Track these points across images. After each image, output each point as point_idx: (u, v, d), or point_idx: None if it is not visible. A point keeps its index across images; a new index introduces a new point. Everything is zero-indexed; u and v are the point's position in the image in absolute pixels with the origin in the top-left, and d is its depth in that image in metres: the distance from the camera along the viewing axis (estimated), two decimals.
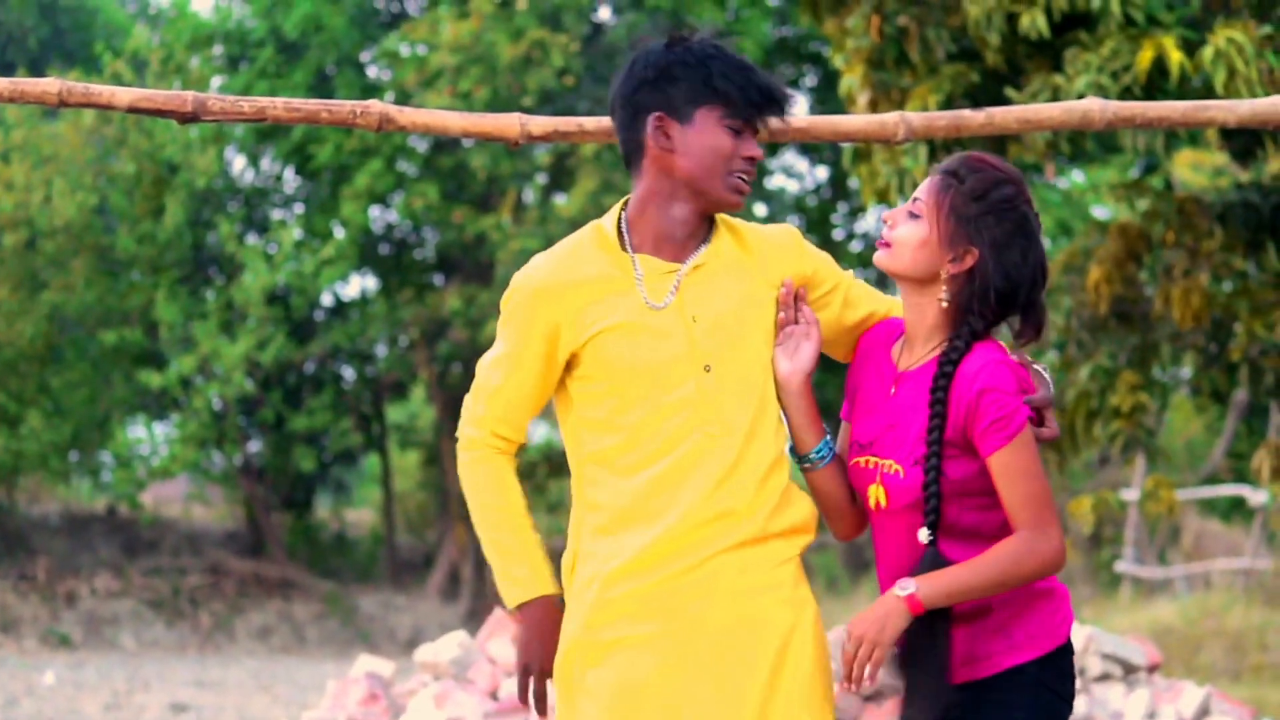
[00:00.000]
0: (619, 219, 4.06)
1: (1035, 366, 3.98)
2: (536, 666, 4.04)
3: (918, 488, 3.87)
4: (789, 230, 4.16)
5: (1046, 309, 3.97)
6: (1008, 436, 3.80)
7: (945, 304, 3.92)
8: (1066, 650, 3.91)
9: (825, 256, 4.14)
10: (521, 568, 4.10)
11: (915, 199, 3.96)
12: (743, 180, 3.97)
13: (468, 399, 4.10)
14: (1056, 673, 3.90)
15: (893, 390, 3.99)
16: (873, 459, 3.96)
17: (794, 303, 4.04)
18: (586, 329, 3.95)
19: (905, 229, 3.94)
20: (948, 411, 3.84)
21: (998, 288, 3.88)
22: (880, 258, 3.98)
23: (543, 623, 4.04)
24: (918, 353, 3.97)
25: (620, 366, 3.93)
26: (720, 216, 4.07)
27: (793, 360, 4.01)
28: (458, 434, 4.12)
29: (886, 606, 3.79)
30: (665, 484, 3.91)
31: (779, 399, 4.03)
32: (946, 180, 3.93)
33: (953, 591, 3.80)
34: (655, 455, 3.92)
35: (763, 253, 4.06)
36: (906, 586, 3.79)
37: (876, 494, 3.95)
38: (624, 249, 4.01)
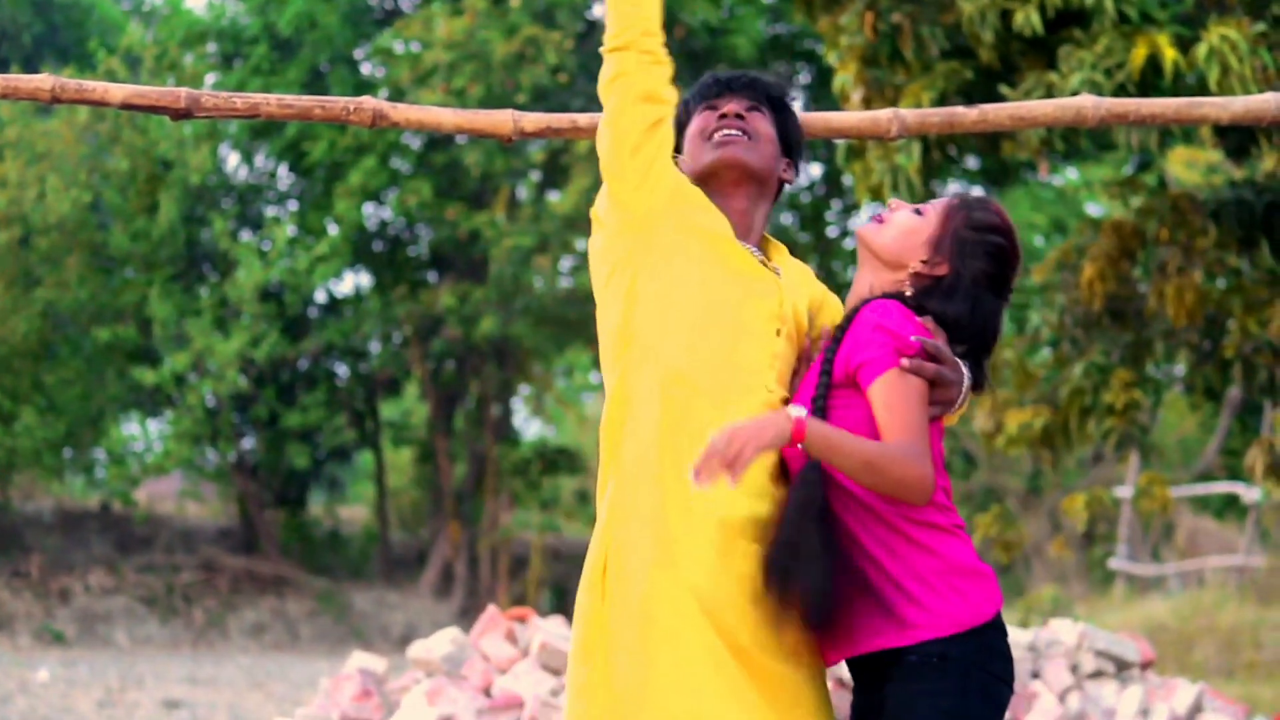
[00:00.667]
0: None
1: (944, 341, 4.01)
2: None
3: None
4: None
5: (987, 373, 4.04)
6: (889, 362, 3.84)
7: (900, 289, 4.01)
8: (996, 628, 3.90)
9: (832, 296, 4.34)
10: None
11: (927, 203, 4.12)
12: (723, 135, 4.19)
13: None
14: (986, 652, 3.88)
15: (814, 355, 4.11)
16: None
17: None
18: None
19: (904, 215, 4.08)
20: (841, 344, 3.92)
21: (952, 310, 3.94)
22: (865, 229, 4.12)
23: None
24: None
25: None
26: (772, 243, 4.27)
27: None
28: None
29: (773, 419, 3.79)
30: None
31: None
32: (961, 201, 4.07)
33: (831, 444, 3.80)
34: None
35: (794, 276, 4.24)
36: (795, 411, 3.80)
37: (793, 456, 3.98)
38: None
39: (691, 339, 4.00)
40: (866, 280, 4.07)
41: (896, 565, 3.86)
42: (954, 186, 31.67)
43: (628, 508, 4.01)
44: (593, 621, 4.00)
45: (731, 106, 4.18)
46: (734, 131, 4.16)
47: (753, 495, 3.96)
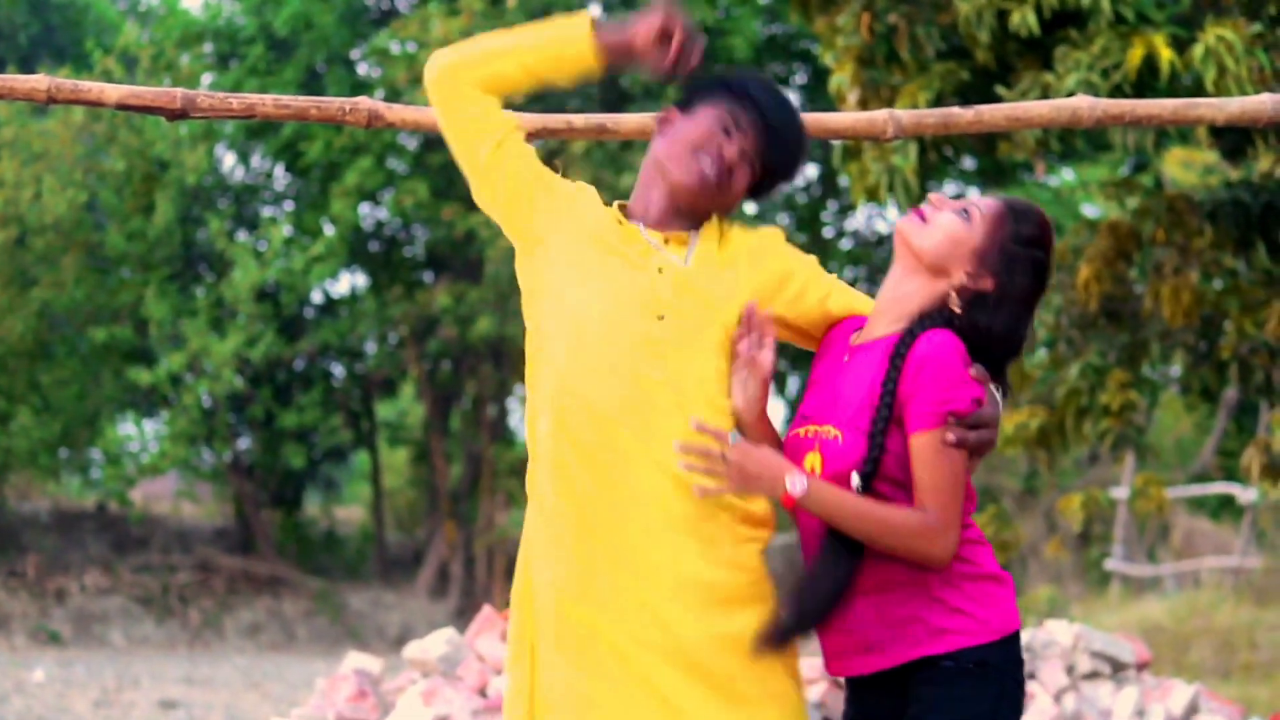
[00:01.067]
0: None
1: (989, 385, 3.95)
2: None
3: (854, 452, 3.84)
4: (772, 230, 4.18)
5: (1009, 381, 3.98)
6: (938, 420, 3.79)
7: (938, 299, 3.92)
8: (1018, 635, 3.90)
9: (807, 257, 4.16)
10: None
11: (973, 202, 3.97)
12: (707, 167, 4.01)
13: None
14: (1015, 659, 3.89)
15: (845, 359, 3.99)
16: (813, 428, 3.94)
17: (750, 326, 4.05)
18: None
19: (949, 218, 3.94)
20: (902, 376, 3.83)
21: (990, 324, 3.90)
22: (908, 226, 3.96)
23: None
24: (879, 329, 3.97)
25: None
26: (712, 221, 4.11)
27: (742, 393, 4.03)
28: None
29: (773, 474, 3.78)
30: None
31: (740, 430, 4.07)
32: (1009, 209, 3.95)
33: (831, 511, 3.79)
34: None
35: (737, 258, 4.09)
36: (798, 485, 3.77)
37: (812, 461, 3.91)
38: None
39: (570, 345, 3.93)
40: (906, 283, 3.96)
41: (933, 574, 3.85)
42: (950, 187, 31.71)
43: (530, 514, 4.03)
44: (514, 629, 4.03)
45: (733, 153, 4.00)
46: (716, 172, 4.01)
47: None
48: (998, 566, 3.91)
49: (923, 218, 3.96)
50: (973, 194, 34.16)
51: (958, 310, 3.90)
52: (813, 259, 4.17)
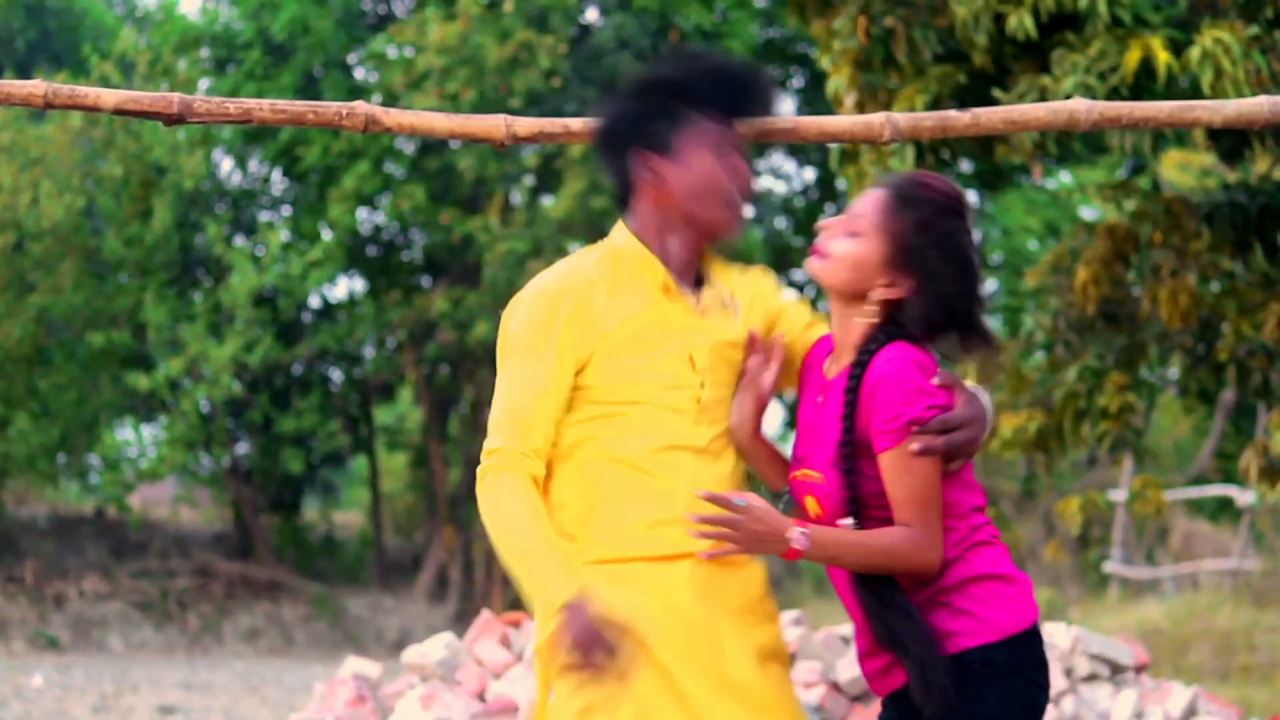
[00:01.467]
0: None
1: (968, 385, 3.93)
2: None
3: (837, 491, 3.87)
4: (764, 271, 4.21)
5: (988, 328, 3.93)
6: (899, 435, 3.79)
7: (874, 320, 3.91)
8: (1035, 635, 3.89)
9: (797, 301, 4.20)
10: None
11: (857, 216, 3.92)
12: (738, 203, 3.97)
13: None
14: (1026, 658, 3.87)
15: (820, 399, 4.00)
16: (804, 471, 3.97)
17: (757, 347, 4.08)
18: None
19: (843, 245, 3.91)
20: (858, 409, 3.84)
21: (929, 316, 3.87)
22: (813, 266, 3.96)
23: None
24: (843, 361, 3.97)
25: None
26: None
27: (738, 413, 4.06)
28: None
29: (776, 532, 3.78)
30: None
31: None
32: (893, 203, 3.90)
33: (831, 554, 3.81)
34: None
35: (744, 296, 4.12)
36: (799, 539, 3.78)
37: (811, 505, 3.97)
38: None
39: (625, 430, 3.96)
40: (842, 317, 3.95)
41: (939, 581, 3.86)
42: None
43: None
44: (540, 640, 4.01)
45: (749, 172, 3.97)
46: (745, 205, 3.99)
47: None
48: (1010, 566, 3.90)
49: (821, 255, 3.95)
50: (970, 197, 34.13)
51: (895, 321, 3.89)
52: (803, 303, 4.20)
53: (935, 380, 3.84)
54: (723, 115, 3.96)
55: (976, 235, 3.97)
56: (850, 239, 3.91)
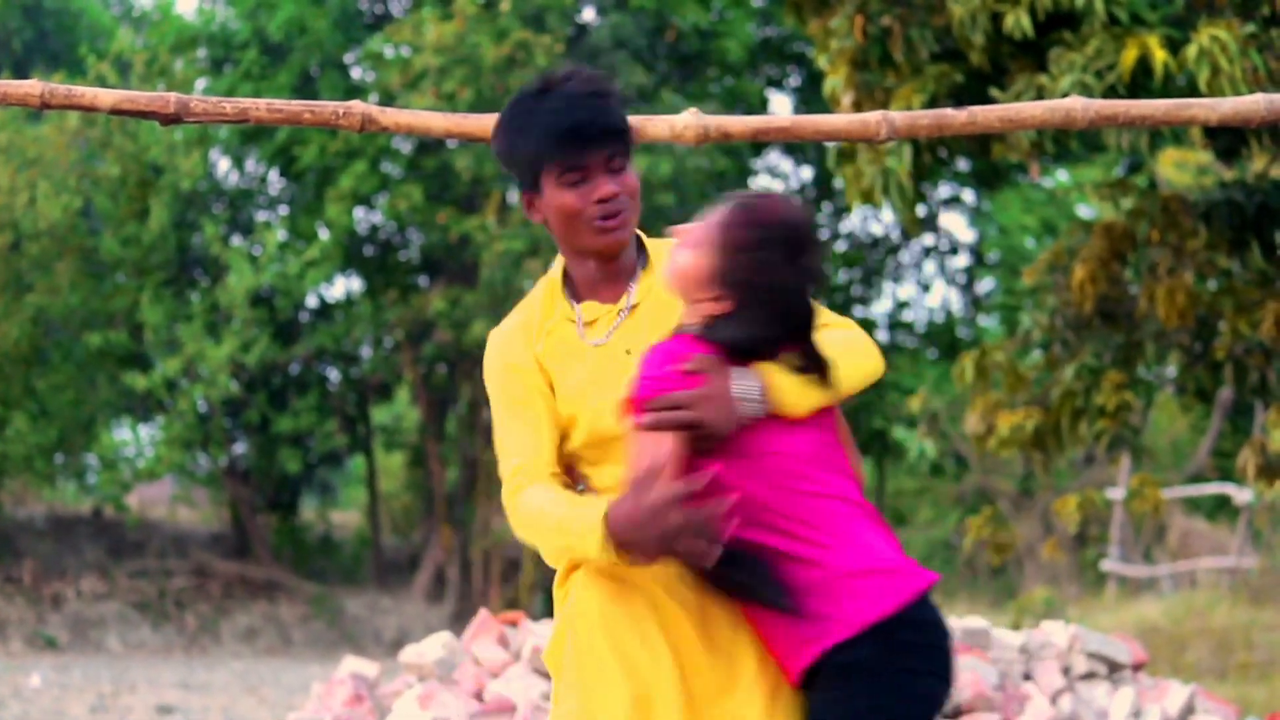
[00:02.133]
0: (564, 270, 4.15)
1: (742, 379, 3.93)
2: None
3: None
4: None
5: (818, 351, 3.95)
6: (623, 413, 3.86)
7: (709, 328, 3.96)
8: (904, 623, 3.82)
9: None
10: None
11: (698, 228, 3.98)
12: (605, 222, 4.00)
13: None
14: (896, 648, 3.81)
15: None
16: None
17: None
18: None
19: (682, 255, 3.97)
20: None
21: (735, 338, 3.91)
22: (663, 272, 4.04)
23: None
24: None
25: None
26: (654, 246, 4.14)
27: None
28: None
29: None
30: None
31: None
32: (728, 222, 3.94)
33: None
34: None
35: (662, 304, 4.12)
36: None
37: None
38: (569, 298, 4.10)
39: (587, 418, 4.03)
40: (687, 314, 4.05)
41: (747, 608, 3.90)
42: (945, 189, 31.73)
43: None
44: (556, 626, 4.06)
45: (608, 188, 3.98)
46: (616, 216, 4.01)
47: None
48: (865, 561, 3.83)
49: (670, 260, 4.02)
50: (968, 196, 34.22)
51: (710, 328, 3.94)
52: None
53: (686, 366, 3.89)
54: (565, 152, 3.99)
55: (825, 264, 4.04)
56: (690, 249, 3.97)
